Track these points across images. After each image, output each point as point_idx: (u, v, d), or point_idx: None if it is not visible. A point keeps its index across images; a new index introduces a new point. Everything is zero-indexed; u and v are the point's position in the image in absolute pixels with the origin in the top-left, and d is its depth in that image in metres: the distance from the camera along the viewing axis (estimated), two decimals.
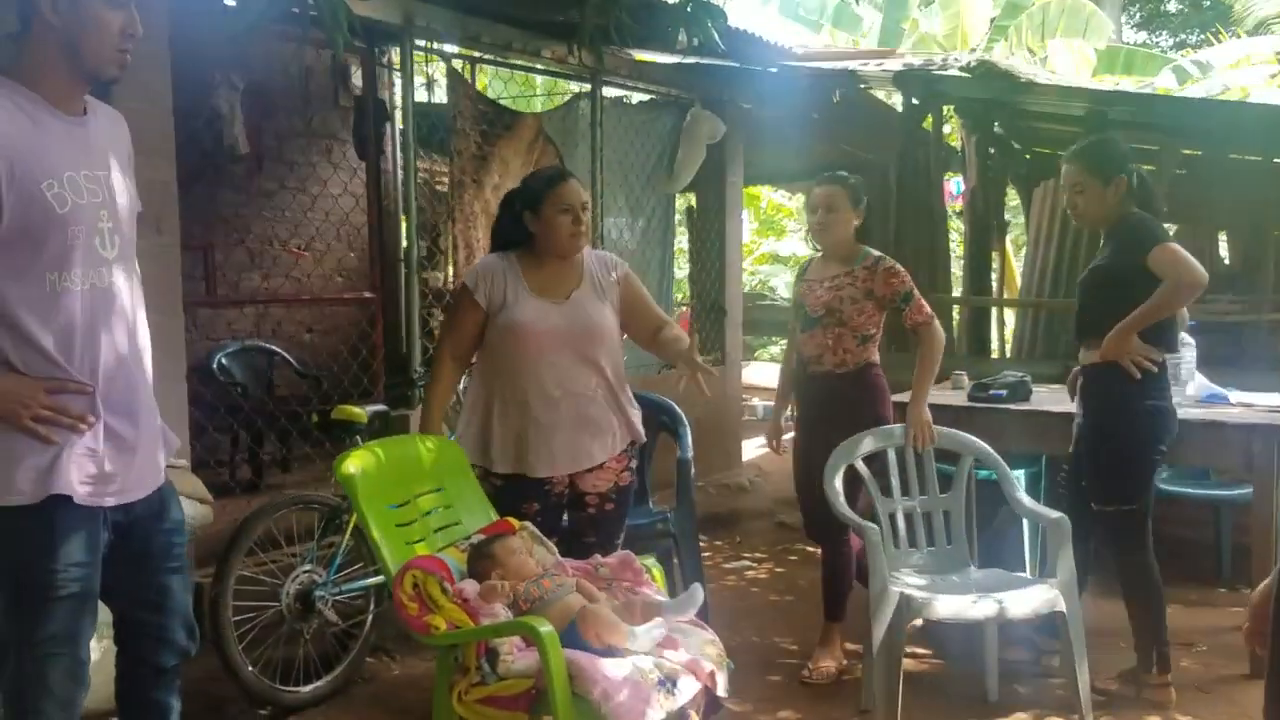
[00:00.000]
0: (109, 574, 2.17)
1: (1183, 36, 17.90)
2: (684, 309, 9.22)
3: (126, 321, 2.15)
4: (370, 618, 3.71)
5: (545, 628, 2.46)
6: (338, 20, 3.63)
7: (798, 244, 14.25)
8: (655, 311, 3.30)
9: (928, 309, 3.69)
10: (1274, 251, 6.85)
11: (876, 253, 3.76)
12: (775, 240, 15.01)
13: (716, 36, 4.45)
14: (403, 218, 5.33)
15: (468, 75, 5.85)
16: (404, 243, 5.45)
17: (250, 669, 3.40)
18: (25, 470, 1.99)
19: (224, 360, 6.15)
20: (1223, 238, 7.79)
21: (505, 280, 3.09)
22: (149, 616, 2.27)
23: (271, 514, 3.58)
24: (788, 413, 4.12)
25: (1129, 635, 3.56)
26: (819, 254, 3.89)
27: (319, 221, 6.24)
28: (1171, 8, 18.55)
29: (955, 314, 7.43)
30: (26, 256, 1.98)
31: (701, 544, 5.54)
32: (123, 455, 2.12)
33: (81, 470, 2.04)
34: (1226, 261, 7.61)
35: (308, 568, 3.60)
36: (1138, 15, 18.82)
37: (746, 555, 5.36)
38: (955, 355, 6.44)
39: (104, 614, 2.97)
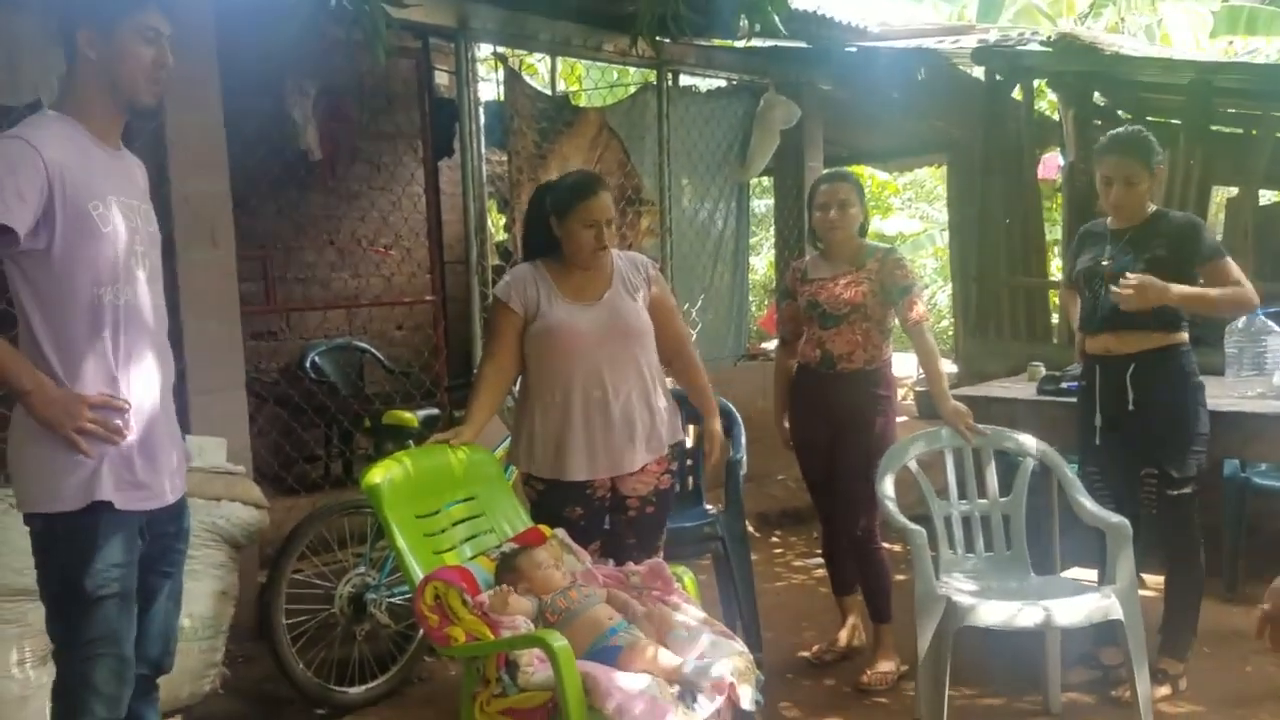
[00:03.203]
0: None
1: None
2: (772, 299, 9.10)
3: (156, 338, 2.32)
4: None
5: (559, 643, 2.44)
6: (378, 30, 3.67)
7: (905, 221, 13.87)
8: (677, 325, 3.31)
9: (921, 309, 3.62)
10: None
11: (884, 245, 3.77)
12: (881, 219, 14.66)
13: (778, 21, 4.34)
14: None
15: (533, 71, 5.87)
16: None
17: (304, 669, 3.48)
18: (69, 480, 2.15)
19: (316, 358, 6.33)
20: None
21: (537, 288, 3.09)
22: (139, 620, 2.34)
23: (324, 518, 3.66)
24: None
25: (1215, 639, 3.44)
26: (817, 252, 3.82)
27: (402, 221, 6.35)
28: None
29: (1053, 299, 7.10)
30: (75, 273, 2.15)
31: (775, 540, 5.52)
32: (153, 464, 2.27)
33: (119, 478, 2.19)
34: None
35: (361, 570, 3.67)
36: None
37: (819, 553, 5.23)
38: (1053, 344, 6.17)
39: None
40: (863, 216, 3.70)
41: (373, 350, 6.65)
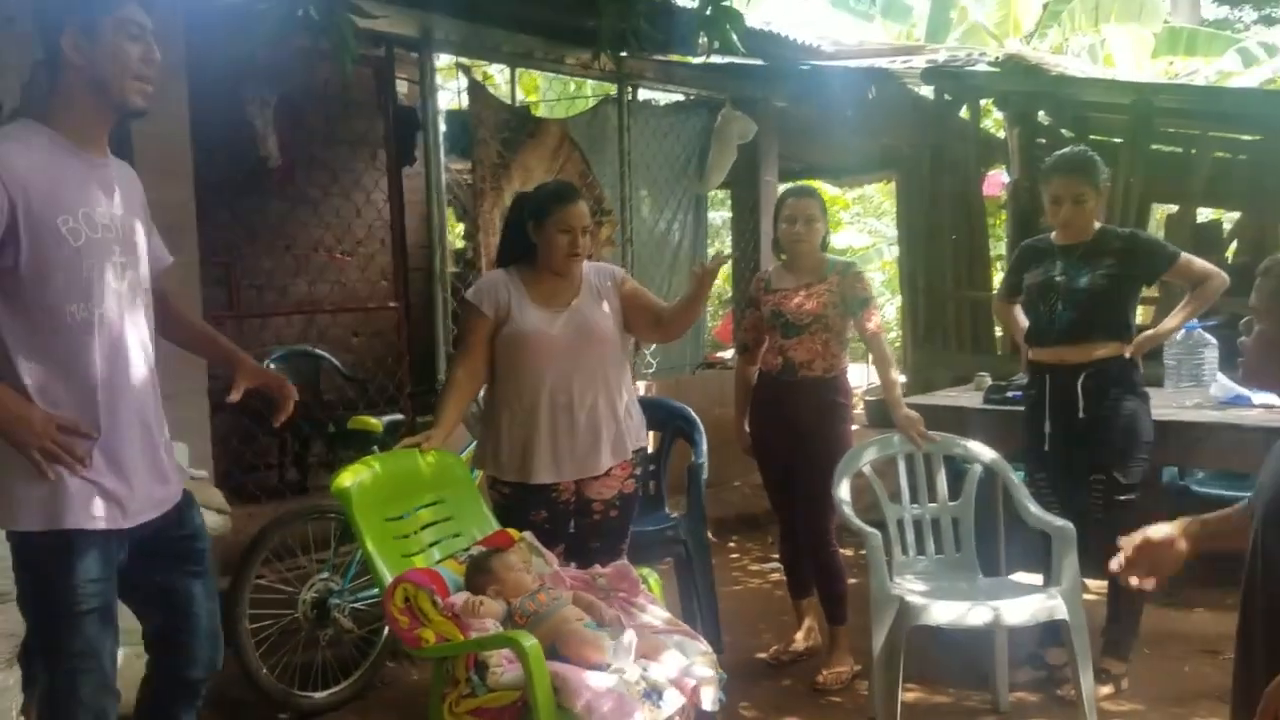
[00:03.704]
0: (130, 583, 2.26)
1: (1269, 10, 17.19)
2: (730, 309, 9.23)
3: (137, 352, 2.23)
4: (388, 625, 3.79)
5: (529, 642, 2.50)
6: (345, 39, 3.71)
7: (854, 235, 14.09)
8: (656, 303, 3.37)
9: (879, 320, 3.79)
10: None
11: (844, 260, 3.91)
12: (832, 232, 14.86)
13: (735, 39, 4.44)
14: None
15: (507, 82, 5.92)
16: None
17: (268, 674, 3.50)
18: (35, 499, 2.08)
19: (272, 366, 6.30)
20: None
21: (508, 293, 3.16)
22: (174, 623, 2.35)
23: (288, 524, 3.68)
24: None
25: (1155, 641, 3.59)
26: (779, 264, 3.94)
27: (362, 228, 6.36)
28: None
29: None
30: (45, 289, 2.07)
31: (732, 545, 5.61)
32: (128, 482, 2.19)
33: (87, 500, 2.11)
34: None
35: (324, 576, 3.70)
36: None
37: (775, 557, 5.33)
38: (995, 356, 6.35)
39: (124, 619, 3.12)
40: (825, 231, 3.82)
41: (329, 357, 6.64)
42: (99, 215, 2.14)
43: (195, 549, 2.37)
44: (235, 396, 2.48)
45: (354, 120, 6.44)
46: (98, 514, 2.12)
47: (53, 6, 2.12)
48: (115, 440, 2.16)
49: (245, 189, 5.83)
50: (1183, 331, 4.14)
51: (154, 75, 2.18)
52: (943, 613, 3.13)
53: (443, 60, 5.66)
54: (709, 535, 4.24)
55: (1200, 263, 3.60)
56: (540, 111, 6.74)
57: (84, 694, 2.14)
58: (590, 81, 7.22)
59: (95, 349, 2.13)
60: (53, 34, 2.09)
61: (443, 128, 5.02)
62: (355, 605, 3.71)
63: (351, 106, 6.32)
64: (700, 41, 4.97)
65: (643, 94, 6.35)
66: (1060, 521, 3.32)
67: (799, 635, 4.00)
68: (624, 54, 4.86)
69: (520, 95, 6.90)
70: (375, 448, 3.81)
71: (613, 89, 5.82)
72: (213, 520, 3.45)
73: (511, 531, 3.02)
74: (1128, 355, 3.52)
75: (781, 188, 7.13)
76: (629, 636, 2.60)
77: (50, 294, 2.08)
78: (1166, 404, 3.93)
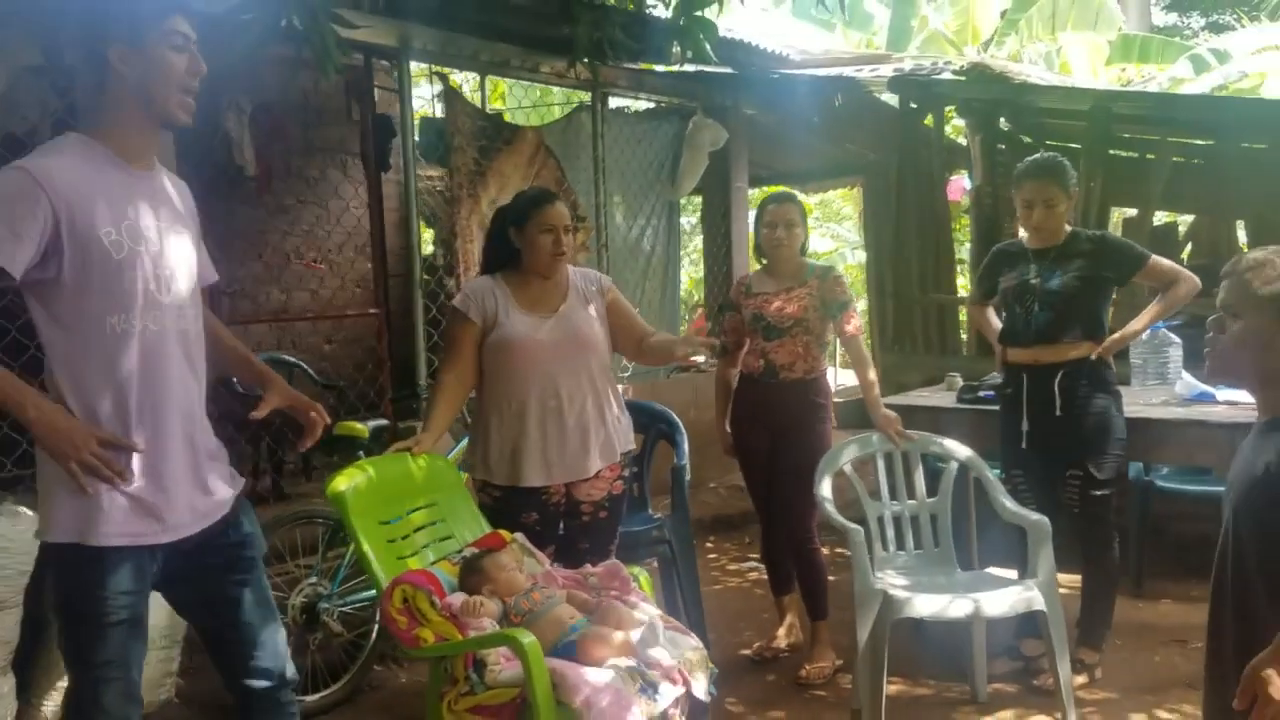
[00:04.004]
0: (176, 593, 2.31)
1: (1215, 17, 17.60)
2: (700, 310, 9.33)
3: (180, 364, 2.22)
4: (376, 628, 3.83)
5: (528, 639, 2.54)
6: (328, 49, 3.76)
7: (817, 240, 14.27)
8: (639, 323, 3.42)
9: (858, 323, 3.87)
10: None
11: (823, 264, 4.01)
12: None
13: (709, 49, 4.54)
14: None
15: (474, 89, 5.96)
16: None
17: None
18: (70, 513, 2.08)
19: None
20: (1241, 228, 7.75)
21: (495, 299, 3.20)
22: (223, 633, 2.34)
23: (276, 530, 3.70)
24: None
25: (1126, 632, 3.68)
26: (760, 268, 4.03)
27: (339, 236, 6.38)
28: None
29: (962, 314, 7.46)
30: (86, 301, 2.07)
31: (709, 546, 5.68)
32: (169, 494, 2.18)
33: (122, 515, 2.11)
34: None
35: (313, 580, 3.72)
36: None
37: (753, 556, 5.43)
38: (963, 356, 6.49)
39: None
40: (805, 236, 3.91)
41: (302, 364, 6.63)
42: (143, 228, 2.14)
43: (244, 557, 2.35)
44: (260, 414, 2.46)
45: (329, 128, 6.46)
46: (132, 529, 2.12)
47: (99, 20, 2.12)
48: (155, 453, 2.15)
49: (222, 197, 5.84)
50: (1148, 332, 4.27)
51: (196, 86, 2.18)
52: (925, 605, 3.23)
53: (414, 67, 5.71)
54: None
55: (1170, 265, 3.71)
56: (509, 118, 6.80)
57: (108, 702, 2.15)
58: (557, 89, 7.28)
59: (135, 361, 2.12)
60: (99, 47, 2.10)
61: (416, 135, 5.06)
62: (344, 609, 3.73)
63: (326, 115, 6.34)
64: (674, 51, 5.08)
65: (616, 102, 6.43)
66: (1036, 516, 3.42)
67: (781, 631, 4.08)
68: (599, 62, 4.96)
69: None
70: (362, 453, 3.84)
71: (586, 96, 5.89)
72: None
73: (503, 533, 3.07)
74: (1093, 358, 3.62)
75: (754, 193, 7.25)
76: (648, 626, 2.66)
77: (91, 305, 2.08)
78: (1134, 402, 4.05)
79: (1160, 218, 8.31)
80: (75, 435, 2.04)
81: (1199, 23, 18.23)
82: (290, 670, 2.43)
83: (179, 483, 2.20)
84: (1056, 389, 3.60)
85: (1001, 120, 6.97)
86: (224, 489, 2.33)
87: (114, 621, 2.11)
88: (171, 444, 2.19)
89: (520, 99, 7.80)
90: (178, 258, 2.22)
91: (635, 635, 2.64)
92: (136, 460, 2.13)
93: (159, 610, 3.23)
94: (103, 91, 2.13)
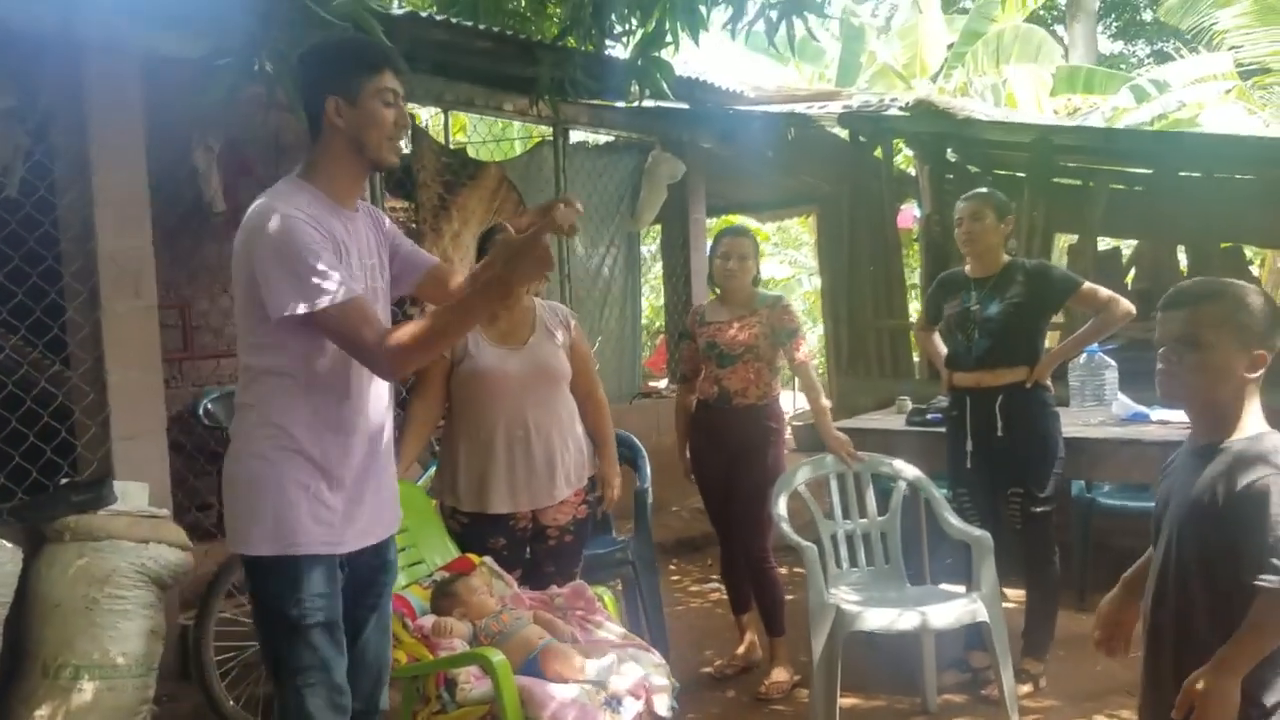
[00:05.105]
0: None
1: (1159, 45, 18.14)
2: (661, 337, 9.48)
3: (378, 385, 2.39)
4: None
5: (497, 658, 2.67)
6: (300, 90, 3.88)
7: (775, 266, 14.51)
8: (590, 373, 3.60)
9: (808, 350, 4.05)
10: (1219, 264, 7.10)
11: (774, 294, 4.19)
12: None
13: (666, 88, 4.72)
14: None
15: (438, 124, 6.09)
16: None
17: (234, 705, 3.61)
18: (267, 528, 2.23)
19: (210, 405, 6.34)
20: (1182, 252, 8.03)
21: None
22: (346, 649, 2.40)
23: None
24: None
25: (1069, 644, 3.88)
26: (714, 298, 4.21)
27: None
28: (1147, 17, 18.69)
29: (914, 339, 7.67)
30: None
31: (673, 567, 5.82)
32: (360, 505, 2.34)
33: (319, 530, 2.26)
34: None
35: None
36: (1114, 26, 19.07)
37: (715, 577, 5.57)
38: (914, 380, 6.70)
39: (99, 651, 3.20)
40: (756, 268, 4.09)
41: None
42: (361, 264, 2.31)
43: (382, 581, 2.49)
44: None
45: (296, 165, 6.55)
46: (326, 538, 2.27)
47: (319, 74, 2.29)
48: (353, 464, 2.31)
49: (191, 233, 5.93)
50: (1085, 355, 4.48)
51: (403, 135, 2.36)
52: (875, 619, 3.39)
53: None
54: None
55: (1104, 291, 3.88)
56: (471, 151, 6.95)
57: (313, 708, 2.26)
58: (518, 123, 7.44)
59: (353, 383, 2.29)
60: (317, 99, 2.26)
61: None
62: None
63: (295, 152, 6.43)
64: (632, 90, 5.25)
65: (577, 136, 6.60)
66: (978, 531, 3.61)
67: (741, 649, 4.22)
68: (560, 100, 5.13)
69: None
70: None
71: (548, 132, 6.06)
72: (176, 557, 3.56)
73: (472, 556, 3.19)
74: (1028, 385, 3.80)
75: (713, 222, 7.43)
76: (609, 661, 2.79)
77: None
78: (1072, 422, 4.26)
79: (1107, 243, 8.61)
80: (525, 254, 2.16)
81: (1144, 50, 18.80)
82: (384, 701, 2.54)
83: (366, 497, 2.35)
84: (998, 411, 3.79)
85: (949, 151, 7.22)
86: (397, 510, 2.49)
87: (311, 624, 2.24)
88: (368, 459, 2.35)
89: (483, 134, 7.96)
90: (380, 289, 2.40)
91: (592, 670, 2.76)
92: (336, 470, 2.28)
93: (136, 638, 3.36)
94: (317, 139, 2.30)
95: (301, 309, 2.13)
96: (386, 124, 2.27)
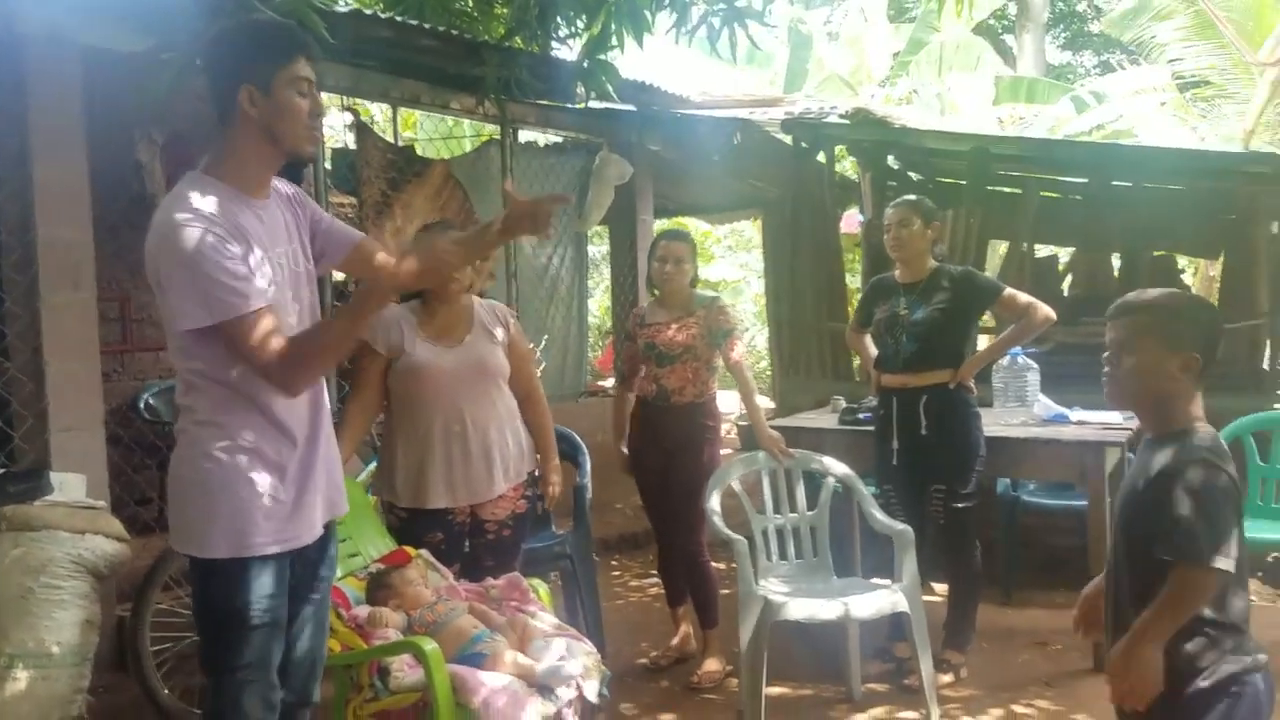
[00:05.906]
0: None
1: (1105, 56, 18.54)
2: (610, 338, 9.56)
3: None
4: None
5: (430, 645, 2.73)
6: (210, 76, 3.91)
7: (726, 268, 14.65)
8: (529, 371, 3.66)
9: (741, 350, 4.15)
10: (1150, 271, 7.32)
11: (710, 294, 4.30)
12: (704, 265, 15.39)
13: (611, 90, 4.80)
14: None
15: (387, 120, 6.12)
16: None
17: (169, 695, 3.64)
18: (222, 531, 2.23)
19: (150, 399, 6.31)
20: (1116, 260, 8.25)
21: (401, 329, 3.37)
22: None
23: (179, 555, 3.80)
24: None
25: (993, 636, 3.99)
26: (653, 300, 4.31)
27: None
28: (1095, 29, 19.08)
29: None
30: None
31: (614, 563, 5.91)
32: (304, 500, 2.33)
33: (271, 526, 2.26)
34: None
35: None
36: (1063, 36, 19.45)
37: (654, 573, 5.65)
38: (853, 382, 6.84)
39: (34, 640, 3.21)
40: (694, 271, 4.18)
41: None
42: (273, 256, 2.27)
43: (321, 576, 2.48)
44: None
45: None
46: (278, 535, 2.27)
47: (230, 63, 2.22)
48: (295, 463, 2.31)
49: (134, 226, 5.88)
50: (1008, 358, 4.63)
51: (319, 124, 2.32)
52: (800, 609, 3.50)
53: (326, 97, 5.86)
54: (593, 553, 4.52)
55: (1024, 297, 4.04)
56: (420, 148, 6.98)
57: (247, 704, 2.26)
58: (466, 121, 7.49)
59: None
60: (230, 90, 2.20)
61: (328, 164, 5.22)
62: None
63: None
64: (578, 91, 5.33)
65: (525, 136, 6.65)
66: (900, 526, 3.73)
67: (675, 640, 4.32)
68: (507, 99, 5.19)
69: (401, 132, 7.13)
70: None
71: (497, 131, 6.11)
72: (112, 548, 3.56)
73: (408, 549, 3.24)
74: (951, 386, 3.94)
75: (660, 223, 7.52)
76: (559, 649, 2.90)
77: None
78: (995, 422, 4.40)
79: (1046, 250, 8.83)
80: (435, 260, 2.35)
81: (1091, 60, 19.21)
82: (316, 694, 2.55)
83: (319, 489, 2.37)
84: (922, 411, 3.93)
85: (890, 158, 7.38)
86: (342, 502, 2.51)
87: (259, 624, 2.26)
88: (316, 454, 2.36)
89: (431, 131, 7.98)
90: (298, 274, 2.38)
91: (540, 668, 2.85)
92: (290, 468, 2.30)
93: (71, 627, 3.37)
94: (233, 130, 2.23)
95: (205, 323, 2.14)
96: (301, 114, 2.23)
